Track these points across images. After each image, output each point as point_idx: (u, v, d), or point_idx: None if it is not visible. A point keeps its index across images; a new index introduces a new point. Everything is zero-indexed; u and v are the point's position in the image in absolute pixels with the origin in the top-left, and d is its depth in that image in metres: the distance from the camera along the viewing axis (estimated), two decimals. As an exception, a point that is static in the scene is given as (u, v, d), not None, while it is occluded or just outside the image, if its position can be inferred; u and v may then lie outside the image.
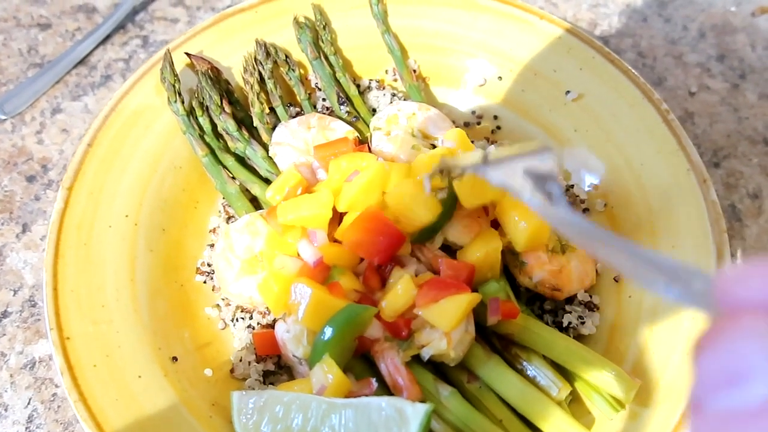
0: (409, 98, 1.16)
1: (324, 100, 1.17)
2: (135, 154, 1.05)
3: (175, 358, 0.93)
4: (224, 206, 1.10)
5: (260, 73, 1.13)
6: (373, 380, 0.85)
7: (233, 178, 1.07)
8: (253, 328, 0.99)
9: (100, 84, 1.30)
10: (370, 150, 1.07)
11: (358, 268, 0.94)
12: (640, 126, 1.06)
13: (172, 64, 1.08)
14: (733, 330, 0.35)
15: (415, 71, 1.21)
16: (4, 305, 1.05)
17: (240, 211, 1.05)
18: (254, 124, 1.10)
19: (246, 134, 1.08)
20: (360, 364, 0.90)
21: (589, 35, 1.15)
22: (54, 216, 0.96)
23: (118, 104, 1.07)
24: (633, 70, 1.09)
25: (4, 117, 1.24)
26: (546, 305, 1.01)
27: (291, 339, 0.89)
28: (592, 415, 0.90)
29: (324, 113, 1.13)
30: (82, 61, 1.32)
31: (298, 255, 0.95)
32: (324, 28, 1.17)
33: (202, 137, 1.08)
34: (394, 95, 1.19)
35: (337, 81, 1.15)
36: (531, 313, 0.98)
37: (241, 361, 0.96)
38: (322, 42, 1.17)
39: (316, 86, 1.19)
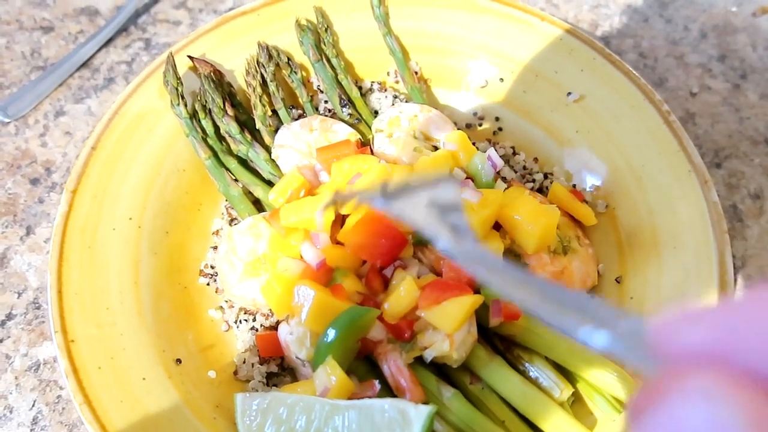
0: (411, 100, 1.16)
1: (326, 102, 1.17)
2: (138, 157, 1.06)
3: (178, 360, 0.94)
4: (227, 209, 1.11)
5: (262, 76, 1.14)
6: (376, 382, 0.86)
7: (236, 180, 1.08)
8: (257, 330, 0.99)
9: (103, 87, 1.30)
10: (372, 152, 1.07)
11: (360, 270, 0.94)
12: (641, 127, 1.06)
13: (174, 68, 1.08)
14: (678, 389, 0.30)
15: (416, 73, 1.21)
16: (8, 308, 1.06)
17: (243, 214, 1.06)
18: (257, 127, 1.11)
19: (249, 137, 1.09)
20: (363, 366, 0.90)
21: (590, 36, 1.15)
22: (58, 219, 0.97)
23: (122, 107, 1.07)
24: (634, 71, 1.10)
25: (7, 120, 1.24)
26: (548, 306, 1.01)
27: (294, 341, 0.89)
28: (594, 416, 0.91)
29: (326, 115, 1.14)
30: (84, 64, 1.32)
31: (301, 257, 0.95)
32: (326, 30, 1.18)
33: (204, 140, 1.08)
34: (395, 97, 1.19)
35: (339, 83, 1.16)
36: (533, 314, 0.98)
37: (244, 363, 0.97)
38: (324, 44, 1.17)
39: (318, 88, 1.19)
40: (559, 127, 1.13)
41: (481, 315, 0.90)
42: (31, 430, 0.96)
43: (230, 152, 1.09)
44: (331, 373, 0.83)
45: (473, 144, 1.09)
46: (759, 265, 1.09)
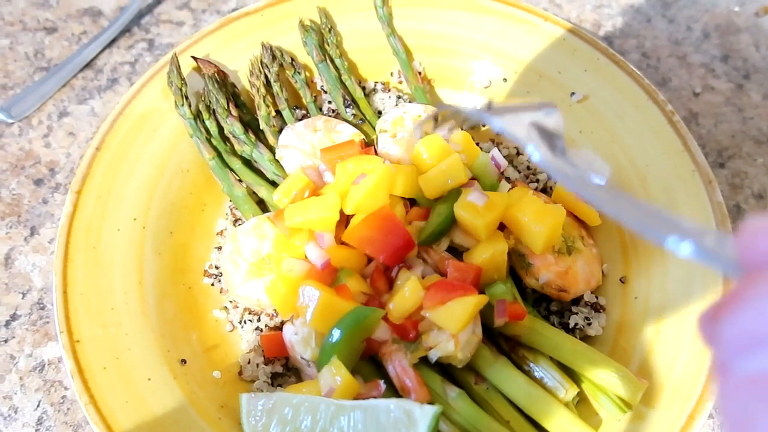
0: (415, 100, 1.16)
1: (330, 102, 1.17)
2: (142, 158, 1.06)
3: (183, 361, 0.94)
4: (231, 209, 1.11)
5: (266, 76, 1.14)
6: (381, 382, 0.86)
7: (240, 181, 1.08)
8: (261, 331, 0.99)
9: (107, 87, 1.30)
10: (376, 152, 1.07)
11: (365, 271, 0.94)
12: (644, 127, 1.06)
13: (179, 68, 1.08)
14: (758, 290, 0.33)
15: (420, 73, 1.21)
16: (13, 308, 1.06)
17: (247, 214, 1.06)
18: (261, 127, 1.11)
19: (252, 137, 1.09)
20: (368, 366, 0.90)
21: (593, 36, 1.15)
22: (63, 219, 0.97)
23: (126, 108, 1.07)
24: (637, 71, 1.10)
25: (11, 121, 1.24)
26: (552, 306, 1.01)
27: (299, 341, 0.89)
28: (599, 416, 0.91)
29: (330, 116, 1.14)
30: (88, 65, 1.33)
31: (306, 257, 0.95)
32: (329, 31, 1.18)
33: (209, 140, 1.09)
34: (399, 97, 1.19)
35: (343, 83, 1.16)
36: (537, 314, 0.98)
37: (249, 363, 0.97)
38: (328, 45, 1.17)
39: (322, 89, 1.19)
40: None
41: (485, 315, 0.90)
42: (36, 430, 0.96)
43: (234, 153, 1.10)
44: (336, 374, 0.83)
45: (477, 144, 1.09)
46: (763, 265, 1.09)
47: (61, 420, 0.97)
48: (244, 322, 1.00)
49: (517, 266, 0.98)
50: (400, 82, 1.22)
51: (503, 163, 1.03)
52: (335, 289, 0.90)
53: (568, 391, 0.88)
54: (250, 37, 1.17)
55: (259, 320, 1.00)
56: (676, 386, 0.87)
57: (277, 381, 0.98)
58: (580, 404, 0.92)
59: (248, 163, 1.10)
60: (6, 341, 1.03)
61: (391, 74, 1.23)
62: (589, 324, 0.97)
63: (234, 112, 1.09)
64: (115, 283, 0.96)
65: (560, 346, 0.90)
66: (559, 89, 1.14)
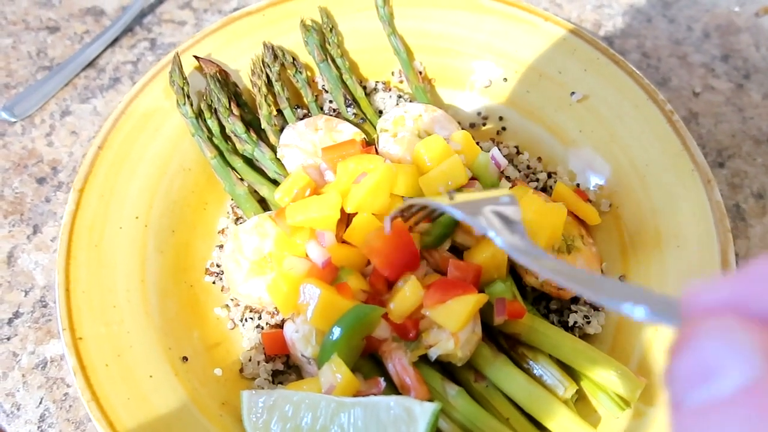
0: (415, 100, 1.17)
1: (331, 102, 1.18)
2: (144, 157, 1.06)
3: (185, 358, 0.95)
4: (233, 208, 1.12)
5: (268, 76, 1.14)
6: (381, 379, 0.86)
7: (242, 179, 1.09)
8: (262, 328, 1.00)
9: (109, 86, 1.31)
10: (377, 151, 1.08)
11: (365, 269, 0.95)
12: (644, 127, 1.06)
13: (181, 67, 1.09)
14: (701, 330, 0.37)
15: (421, 73, 1.21)
16: (15, 306, 1.06)
17: (248, 213, 1.07)
18: (262, 126, 1.11)
19: (254, 136, 1.09)
20: (368, 364, 0.91)
21: (594, 36, 1.15)
22: (66, 218, 0.98)
23: (128, 107, 1.08)
24: (637, 71, 1.10)
25: (14, 119, 1.25)
26: (552, 305, 1.02)
27: (300, 339, 0.90)
28: (598, 414, 0.91)
29: (331, 115, 1.14)
30: (90, 64, 1.33)
31: (307, 256, 0.96)
32: (331, 30, 1.18)
33: (210, 139, 1.09)
34: (400, 97, 1.20)
35: (344, 83, 1.16)
36: (537, 312, 0.99)
37: (250, 360, 0.98)
38: (329, 44, 1.18)
39: (323, 88, 1.20)
40: (563, 127, 1.14)
41: (485, 313, 0.91)
42: (39, 427, 0.96)
43: (236, 151, 1.10)
44: (336, 371, 0.84)
45: (477, 143, 1.10)
46: (762, 264, 1.09)
47: (64, 417, 0.97)
48: (246, 320, 1.01)
49: (516, 265, 0.99)
50: (401, 82, 1.23)
51: (503, 162, 1.04)
52: (336, 287, 0.90)
53: (568, 389, 0.88)
54: (252, 36, 1.18)
55: (260, 318, 1.00)
56: (675, 384, 0.87)
57: (277, 378, 0.98)
58: (579, 402, 0.93)
59: (250, 162, 1.10)
60: (9, 339, 1.04)
61: (392, 74, 1.23)
62: (589, 322, 0.97)
63: (235, 111, 1.09)
64: (118, 281, 0.96)
65: (560, 344, 0.91)
66: (559, 89, 1.14)
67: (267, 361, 0.97)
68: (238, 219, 1.11)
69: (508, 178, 1.09)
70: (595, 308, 0.99)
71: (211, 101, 1.11)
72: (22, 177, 1.20)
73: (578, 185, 1.10)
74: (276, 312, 1.00)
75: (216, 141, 1.10)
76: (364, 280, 0.93)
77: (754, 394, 0.33)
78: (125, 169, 1.04)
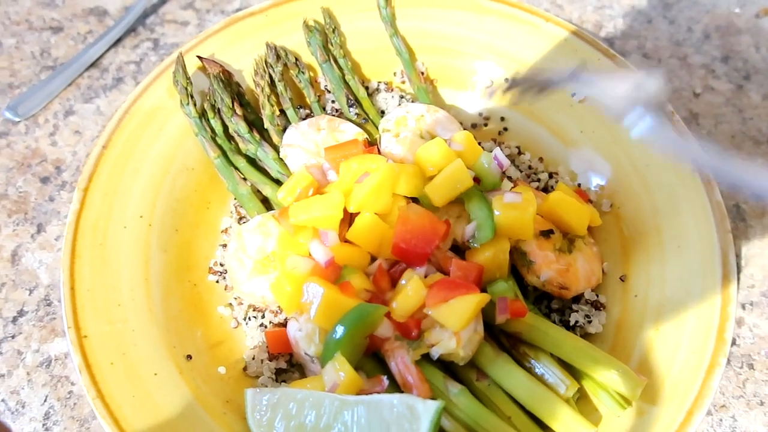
0: (417, 100, 1.17)
1: (333, 102, 1.18)
2: (148, 156, 1.07)
3: (189, 356, 0.95)
4: (236, 207, 1.12)
5: (271, 76, 1.15)
6: (385, 377, 0.87)
7: (245, 179, 1.09)
8: (266, 327, 1.00)
9: (112, 86, 1.31)
10: (379, 151, 1.08)
11: (368, 269, 0.95)
12: (645, 127, 1.07)
13: (184, 68, 1.10)
14: None
15: (423, 73, 1.22)
16: (20, 304, 1.07)
17: (252, 212, 1.07)
18: (265, 126, 1.12)
19: (257, 136, 1.10)
20: (371, 363, 0.91)
21: (595, 37, 1.16)
22: (70, 217, 0.98)
23: (132, 107, 1.08)
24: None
25: (17, 119, 1.25)
26: (553, 304, 1.02)
27: (303, 337, 0.91)
28: (599, 413, 0.92)
29: (333, 115, 1.15)
30: (93, 64, 1.34)
31: (310, 255, 0.96)
32: (333, 31, 1.19)
33: (213, 139, 1.10)
34: (402, 97, 1.20)
35: (346, 83, 1.17)
36: (539, 312, 0.99)
37: (253, 359, 0.98)
38: (332, 45, 1.18)
39: (326, 88, 1.20)
40: (564, 127, 1.15)
41: (487, 312, 0.91)
42: (43, 424, 0.97)
43: (239, 151, 1.11)
44: (339, 369, 0.84)
45: (479, 144, 1.10)
46: (762, 264, 1.10)
47: (68, 415, 0.98)
48: (249, 318, 1.01)
49: (518, 264, 1.00)
50: (403, 82, 1.23)
51: (506, 162, 1.04)
52: (339, 286, 0.91)
53: (569, 388, 0.89)
54: (255, 37, 1.18)
55: (263, 317, 1.01)
56: (675, 383, 0.88)
57: (281, 377, 0.99)
58: (581, 400, 0.93)
59: (253, 162, 1.11)
60: (13, 337, 1.04)
61: (394, 74, 1.24)
62: (590, 321, 0.98)
63: (239, 111, 1.10)
64: (122, 280, 0.97)
65: (561, 343, 0.91)
66: (560, 89, 1.15)
67: (270, 360, 0.98)
68: (241, 218, 1.11)
69: (510, 178, 1.10)
70: (597, 307, 1.00)
71: (215, 101, 1.11)
72: (26, 176, 1.20)
73: (579, 185, 1.11)
74: (279, 311, 1.01)
75: (219, 141, 1.10)
76: (367, 279, 0.94)
77: None
78: (129, 168, 1.05)
